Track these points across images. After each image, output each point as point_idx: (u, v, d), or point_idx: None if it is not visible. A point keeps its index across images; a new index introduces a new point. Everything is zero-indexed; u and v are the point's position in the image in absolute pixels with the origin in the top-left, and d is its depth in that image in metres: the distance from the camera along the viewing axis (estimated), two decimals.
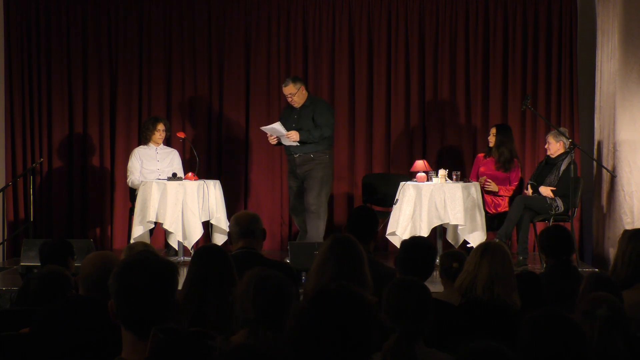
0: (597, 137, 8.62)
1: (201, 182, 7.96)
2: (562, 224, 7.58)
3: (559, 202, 7.79)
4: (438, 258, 4.67)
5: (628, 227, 6.94)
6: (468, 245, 7.71)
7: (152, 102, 9.36)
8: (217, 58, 9.38)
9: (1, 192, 8.64)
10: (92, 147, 9.34)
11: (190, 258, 4.06)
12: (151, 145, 8.50)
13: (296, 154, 8.14)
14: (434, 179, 7.83)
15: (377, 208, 8.41)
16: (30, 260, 6.75)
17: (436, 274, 4.56)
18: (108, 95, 9.34)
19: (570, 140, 8.03)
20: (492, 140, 8.30)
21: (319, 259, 3.90)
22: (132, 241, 7.73)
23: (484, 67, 9.29)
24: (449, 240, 7.94)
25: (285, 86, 8.16)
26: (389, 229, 7.74)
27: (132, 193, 8.46)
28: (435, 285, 4.68)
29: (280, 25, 9.36)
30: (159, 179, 8.07)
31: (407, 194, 7.71)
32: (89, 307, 3.24)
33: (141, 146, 8.58)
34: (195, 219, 7.83)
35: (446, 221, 7.67)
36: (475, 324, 3.73)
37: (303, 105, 8.15)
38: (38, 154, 9.27)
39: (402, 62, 9.32)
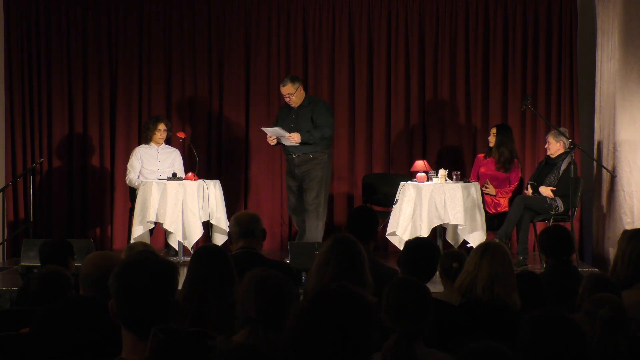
0: (597, 137, 8.62)
1: (201, 182, 7.96)
2: (562, 224, 7.58)
3: (559, 202, 7.79)
4: None
5: (628, 227, 6.94)
6: (468, 245, 7.72)
7: (152, 102, 9.36)
8: (217, 58, 9.38)
9: (1, 192, 8.64)
10: (92, 147, 9.33)
11: (190, 258, 4.06)
12: (152, 144, 8.50)
13: (295, 154, 8.14)
14: (434, 179, 7.83)
15: (377, 208, 8.41)
16: (30, 260, 6.75)
17: (436, 274, 4.56)
18: (108, 95, 9.34)
19: (570, 140, 8.03)
20: (492, 140, 8.30)
21: (319, 259, 3.90)
22: (132, 241, 7.72)
23: (484, 67, 9.29)
24: (449, 240, 7.93)
25: (283, 86, 8.14)
26: (389, 229, 7.74)
27: (132, 193, 8.46)
28: (435, 285, 4.68)
29: (280, 25, 9.36)
30: (159, 179, 8.08)
31: (407, 194, 7.71)
32: (89, 307, 3.24)
33: (142, 145, 8.58)
34: (195, 219, 7.83)
35: (446, 221, 7.67)
36: (475, 324, 3.73)
37: (301, 105, 8.14)
38: (38, 154, 9.27)
39: (402, 62, 9.32)
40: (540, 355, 2.58)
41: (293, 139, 7.99)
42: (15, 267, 7.63)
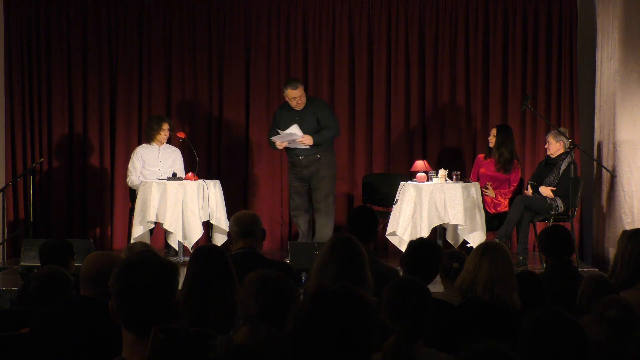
0: (597, 137, 8.62)
1: (201, 182, 7.96)
2: (562, 224, 7.58)
3: (559, 202, 7.79)
4: None
5: (628, 227, 6.94)
6: (468, 245, 7.71)
7: (152, 102, 9.36)
8: (217, 58, 9.38)
9: (1, 192, 8.63)
10: (92, 147, 9.33)
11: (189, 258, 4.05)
12: (154, 144, 8.50)
13: (302, 156, 8.13)
14: (434, 179, 7.83)
15: (377, 208, 8.41)
16: (30, 260, 6.75)
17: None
18: (108, 95, 9.34)
19: (570, 140, 8.03)
20: (492, 140, 8.30)
21: (319, 259, 3.90)
22: (132, 241, 7.73)
23: (484, 67, 9.29)
24: (449, 240, 7.94)
25: (294, 89, 8.05)
26: (389, 229, 7.74)
27: (132, 193, 8.46)
28: (435, 285, 4.68)
29: (281, 25, 9.36)
30: (159, 179, 8.07)
31: (407, 194, 7.71)
32: (89, 307, 3.24)
33: (143, 145, 8.57)
34: (195, 219, 7.84)
35: (446, 221, 7.67)
36: (475, 324, 3.73)
37: (303, 107, 8.16)
38: (38, 154, 9.27)
39: (402, 62, 9.32)
40: (542, 355, 2.57)
41: (306, 142, 7.99)
42: (15, 267, 7.62)
